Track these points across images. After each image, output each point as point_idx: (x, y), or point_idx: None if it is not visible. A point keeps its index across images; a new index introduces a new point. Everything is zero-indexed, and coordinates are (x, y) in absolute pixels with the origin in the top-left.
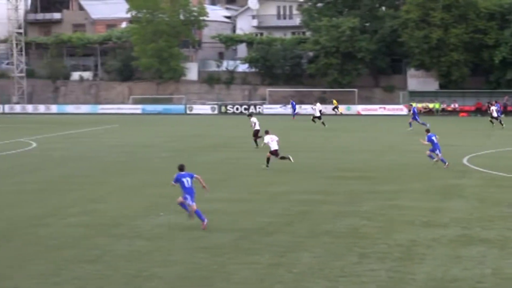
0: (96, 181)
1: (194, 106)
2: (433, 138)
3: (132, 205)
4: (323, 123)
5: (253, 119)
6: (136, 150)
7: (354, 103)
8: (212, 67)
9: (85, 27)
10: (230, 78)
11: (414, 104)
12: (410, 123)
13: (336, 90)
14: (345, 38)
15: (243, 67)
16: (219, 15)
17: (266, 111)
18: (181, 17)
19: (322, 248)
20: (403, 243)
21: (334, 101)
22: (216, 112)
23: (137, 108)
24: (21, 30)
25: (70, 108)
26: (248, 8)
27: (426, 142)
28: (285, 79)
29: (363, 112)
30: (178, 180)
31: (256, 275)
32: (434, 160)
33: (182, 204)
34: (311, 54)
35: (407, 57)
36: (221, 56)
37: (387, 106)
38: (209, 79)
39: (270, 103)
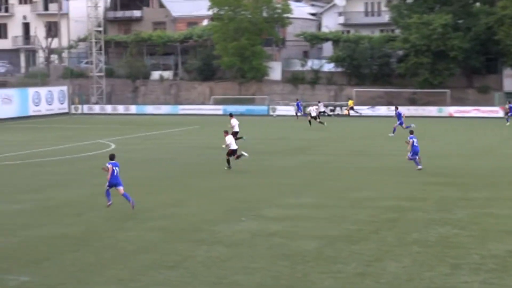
0: (175, 184)
1: (277, 107)
2: None
3: (213, 210)
4: (320, 122)
5: (234, 120)
6: (217, 152)
7: (446, 105)
8: (296, 66)
9: (166, 25)
10: (315, 78)
11: None
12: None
13: (427, 91)
14: (437, 36)
15: (328, 67)
16: (304, 12)
17: (353, 112)
18: (264, 14)
19: (410, 258)
20: (498, 254)
21: (350, 102)
22: (300, 113)
23: (218, 109)
24: (101, 28)
25: (149, 109)
26: (334, 5)
27: None
28: (372, 79)
29: (455, 114)
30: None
31: (340, 285)
32: None
33: (107, 192)
34: (400, 53)
35: (503, 56)
36: (305, 55)
37: (482, 108)
38: (293, 79)
39: (357, 105)
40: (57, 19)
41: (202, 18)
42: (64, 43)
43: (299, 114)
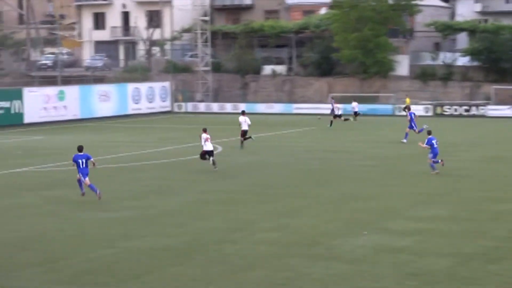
0: (288, 192)
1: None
2: None
3: (331, 221)
4: (331, 121)
5: (242, 118)
6: (335, 157)
7: None
8: (426, 60)
9: (279, 13)
10: (448, 74)
11: None
12: None
13: None
14: None
15: (463, 61)
16: None
17: (490, 113)
18: (390, 1)
19: None
20: None
21: (407, 100)
22: (430, 113)
23: (338, 108)
24: (207, 18)
25: (260, 107)
26: None
27: None
28: None
29: None
30: (75, 160)
31: None
32: None
33: (79, 181)
34: None
35: None
36: (437, 48)
37: None
38: (423, 75)
39: (495, 104)
40: (160, 7)
41: (319, 6)
42: (167, 34)
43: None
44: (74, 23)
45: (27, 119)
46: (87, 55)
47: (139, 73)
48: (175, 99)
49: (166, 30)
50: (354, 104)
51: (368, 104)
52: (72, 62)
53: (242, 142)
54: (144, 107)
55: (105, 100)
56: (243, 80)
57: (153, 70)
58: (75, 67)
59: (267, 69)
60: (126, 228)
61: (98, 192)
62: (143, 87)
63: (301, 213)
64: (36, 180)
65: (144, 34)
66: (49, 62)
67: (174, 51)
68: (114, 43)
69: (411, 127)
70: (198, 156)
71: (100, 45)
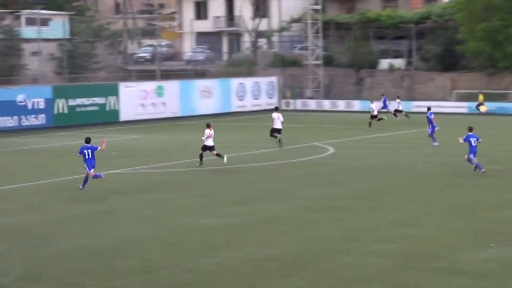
0: (407, 199)
1: None
2: None
3: (454, 232)
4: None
5: (276, 114)
6: (456, 160)
7: None
8: None
9: (397, 2)
10: None
11: None
12: None
13: None
14: None
15: None
16: None
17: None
18: None
19: None
20: None
21: (480, 97)
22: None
23: (462, 107)
24: (319, 7)
25: (376, 105)
26: None
27: None
28: None
29: None
30: (81, 152)
31: None
32: None
33: (95, 176)
34: None
35: None
36: None
37: None
38: None
39: None
40: None
41: None
42: (274, 24)
43: (384, 110)
44: (174, 12)
45: (123, 117)
46: (188, 48)
47: (244, 67)
48: (282, 96)
49: (274, 20)
50: (398, 100)
51: (497, 102)
52: (171, 55)
53: (274, 136)
54: (249, 104)
55: (207, 96)
56: (357, 75)
57: (259, 64)
58: (175, 60)
59: (384, 63)
60: (228, 236)
61: (102, 175)
62: (248, 82)
63: (420, 222)
64: (132, 182)
65: (249, 24)
66: (147, 55)
67: (282, 43)
68: (217, 34)
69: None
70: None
71: (201, 37)
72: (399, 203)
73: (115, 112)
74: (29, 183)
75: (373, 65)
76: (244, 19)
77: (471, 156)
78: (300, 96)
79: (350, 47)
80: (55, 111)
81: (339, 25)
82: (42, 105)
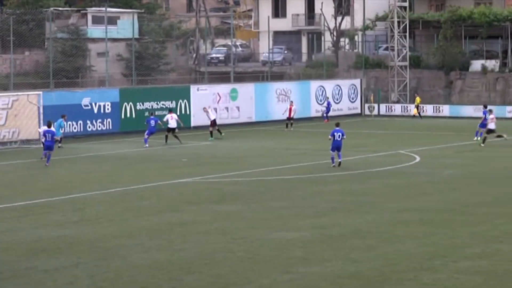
0: (501, 212)
1: None
2: None
3: None
4: None
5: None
6: None
7: None
8: None
9: None
10: None
11: None
12: None
13: None
14: None
15: None
16: None
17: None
18: None
19: None
20: None
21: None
22: None
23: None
24: (406, 4)
25: (467, 110)
26: None
27: None
28: None
29: None
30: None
31: None
32: None
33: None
34: None
35: None
36: None
37: None
38: None
39: None
40: None
41: None
42: (358, 23)
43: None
44: (250, 10)
45: (194, 122)
46: (264, 48)
47: (325, 70)
48: (366, 100)
49: (357, 18)
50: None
51: None
52: (247, 55)
53: None
54: (330, 108)
55: (284, 100)
56: (447, 78)
57: (341, 65)
58: (251, 61)
59: (476, 64)
60: (305, 251)
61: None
62: (329, 85)
63: None
64: (202, 192)
65: (331, 23)
66: (220, 56)
67: (366, 43)
68: (295, 33)
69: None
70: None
71: (279, 36)
72: (491, 217)
73: (186, 117)
74: (95, 192)
75: (464, 67)
76: (325, 17)
77: None
78: (385, 100)
79: (439, 47)
80: (122, 116)
81: (427, 24)
82: (108, 109)
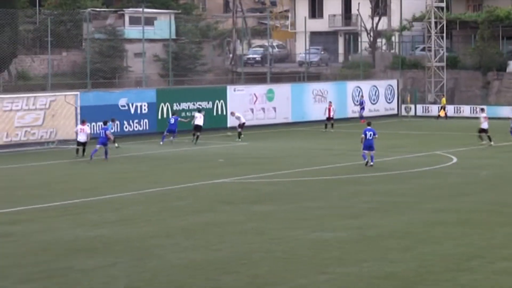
0: None
1: None
2: None
3: None
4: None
5: None
6: None
7: None
8: None
9: None
10: None
11: None
12: None
13: None
14: None
15: None
16: None
17: None
18: None
19: None
20: None
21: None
22: None
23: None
24: (443, 4)
25: (504, 111)
26: None
27: None
28: None
29: None
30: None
31: None
32: None
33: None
34: None
35: None
36: None
37: None
38: None
39: None
40: None
41: None
42: (395, 23)
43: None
44: (287, 11)
45: (231, 122)
46: (301, 48)
47: (361, 70)
48: (402, 101)
49: (394, 19)
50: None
51: None
52: (283, 56)
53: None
54: (366, 109)
55: (320, 100)
56: (484, 78)
57: (378, 66)
58: (287, 62)
59: None
60: (341, 251)
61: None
62: (366, 86)
63: None
64: (239, 192)
65: (368, 23)
66: (257, 56)
67: (403, 44)
68: (332, 34)
69: None
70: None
71: (316, 37)
72: None
73: (223, 118)
74: (132, 192)
75: (502, 68)
76: (362, 18)
77: None
78: (421, 100)
79: (477, 47)
80: (159, 116)
81: (465, 24)
82: (145, 109)
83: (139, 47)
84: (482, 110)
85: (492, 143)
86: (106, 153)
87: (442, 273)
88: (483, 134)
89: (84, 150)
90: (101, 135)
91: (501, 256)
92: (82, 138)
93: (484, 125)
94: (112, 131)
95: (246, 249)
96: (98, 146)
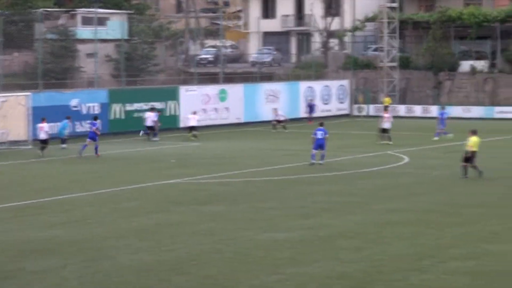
0: (489, 213)
1: None
2: None
3: None
4: None
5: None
6: None
7: None
8: None
9: None
10: None
11: None
12: None
13: None
14: None
15: None
16: None
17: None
18: None
19: None
20: None
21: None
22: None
23: None
24: (395, 4)
25: (456, 111)
26: None
27: None
28: None
29: None
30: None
31: None
32: None
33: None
34: None
35: None
36: None
37: None
38: None
39: None
40: None
41: None
42: (347, 24)
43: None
44: (239, 11)
45: (183, 123)
46: (254, 49)
47: (314, 70)
48: (354, 101)
49: (347, 19)
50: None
51: None
52: (236, 56)
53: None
54: (318, 109)
55: (272, 100)
56: (436, 78)
57: (330, 66)
58: (240, 62)
59: (465, 65)
60: (293, 252)
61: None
62: (318, 86)
63: (504, 238)
64: (191, 193)
65: (320, 23)
66: (209, 57)
67: (355, 44)
68: (285, 34)
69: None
70: None
71: (268, 37)
72: (479, 217)
73: (175, 118)
74: (84, 193)
75: (453, 68)
76: (315, 18)
77: None
78: (374, 101)
79: (428, 48)
80: (111, 117)
81: (417, 24)
82: (97, 110)
83: (91, 48)
84: (386, 108)
85: (391, 142)
86: (96, 149)
87: (393, 273)
88: (384, 134)
89: (44, 148)
90: (91, 130)
91: (451, 256)
92: (42, 136)
93: (386, 125)
94: (69, 130)
95: (198, 250)
96: (88, 140)
